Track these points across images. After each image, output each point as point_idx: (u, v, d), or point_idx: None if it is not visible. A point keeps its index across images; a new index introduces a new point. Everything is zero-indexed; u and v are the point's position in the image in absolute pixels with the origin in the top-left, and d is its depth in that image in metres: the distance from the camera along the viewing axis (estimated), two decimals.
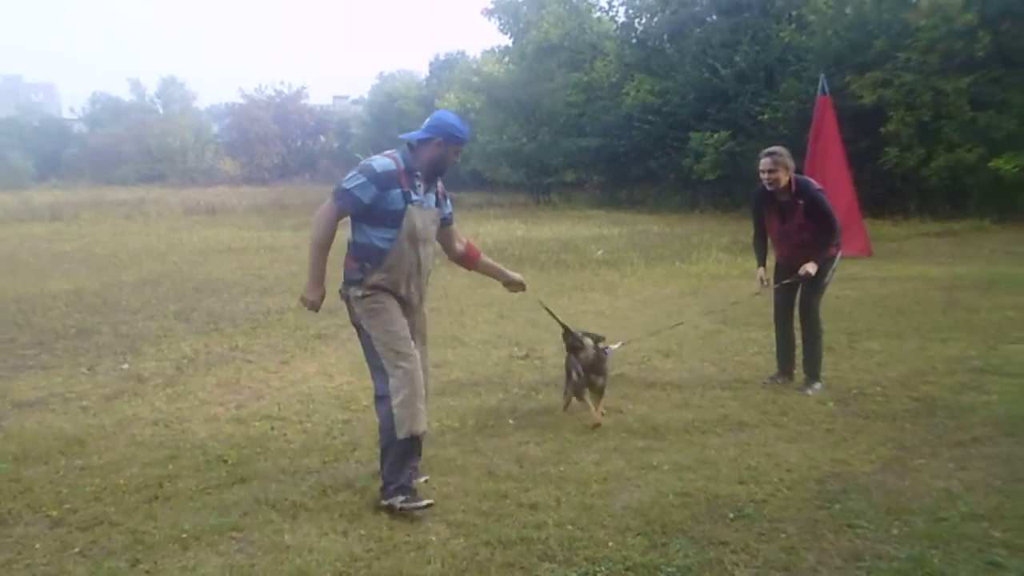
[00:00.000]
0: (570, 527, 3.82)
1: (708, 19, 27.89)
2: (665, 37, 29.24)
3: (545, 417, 5.62)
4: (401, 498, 4.02)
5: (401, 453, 4.08)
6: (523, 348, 7.76)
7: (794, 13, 24.34)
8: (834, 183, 13.84)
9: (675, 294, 10.64)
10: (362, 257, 4.25)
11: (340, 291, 4.37)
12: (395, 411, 4.05)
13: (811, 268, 6.00)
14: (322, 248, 4.32)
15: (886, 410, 5.56)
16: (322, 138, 75.37)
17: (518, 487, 4.33)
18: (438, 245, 4.61)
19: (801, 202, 5.98)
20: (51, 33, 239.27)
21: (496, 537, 3.73)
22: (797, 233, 6.08)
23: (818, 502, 4.06)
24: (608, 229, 20.75)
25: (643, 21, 30.66)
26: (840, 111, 17.14)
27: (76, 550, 3.71)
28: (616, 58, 30.79)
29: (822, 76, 14.55)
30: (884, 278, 11.46)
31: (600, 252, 15.13)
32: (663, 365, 7.07)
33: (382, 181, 4.17)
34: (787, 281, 6.23)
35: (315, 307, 4.44)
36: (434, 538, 3.75)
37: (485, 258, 4.99)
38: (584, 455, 4.81)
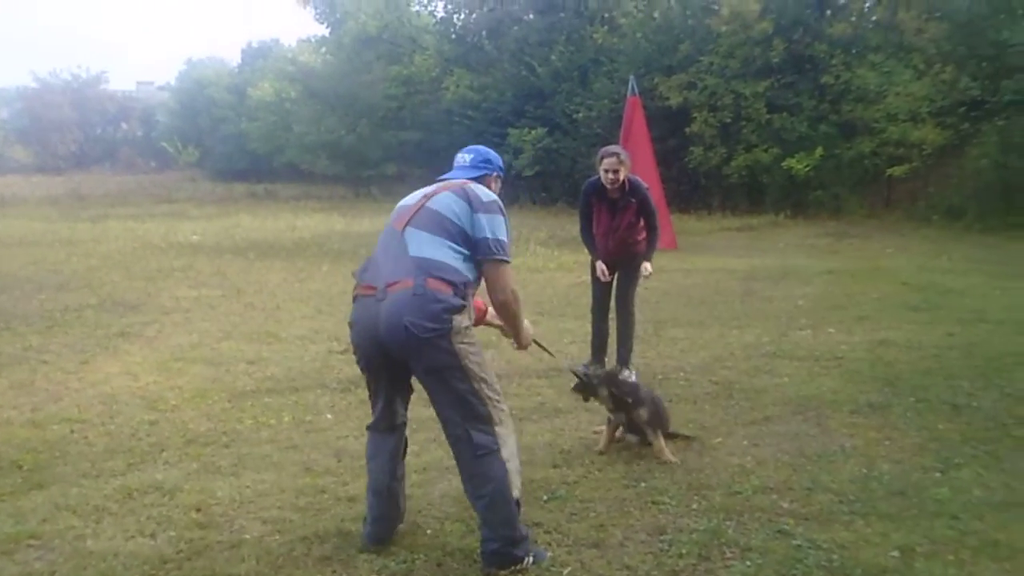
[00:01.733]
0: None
1: (525, 18, 28.41)
2: (484, 34, 29.52)
3: (363, 409, 5.56)
4: (531, 551, 3.43)
5: (513, 512, 3.39)
6: (342, 343, 7.65)
7: (606, 15, 25.21)
8: (643, 179, 14.51)
9: None
10: (460, 285, 3.34)
11: (422, 327, 3.22)
12: (508, 466, 3.38)
13: (649, 267, 6.41)
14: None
15: (688, 393, 5.91)
16: (124, 125, 71.16)
17: (336, 481, 4.31)
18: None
19: (633, 200, 6.27)
20: None
21: (313, 532, 3.71)
22: (625, 230, 6.36)
23: (626, 481, 4.27)
24: None
25: (462, 17, 30.83)
26: (650, 111, 17.96)
27: None
28: (436, 52, 30.81)
29: (631, 77, 15.18)
30: (688, 270, 12.11)
31: None
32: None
33: None
34: (610, 280, 6.56)
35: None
36: (248, 536, 3.68)
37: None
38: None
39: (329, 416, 5.47)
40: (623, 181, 6.22)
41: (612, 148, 6.34)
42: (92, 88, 68.02)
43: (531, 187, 25.44)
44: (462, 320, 3.31)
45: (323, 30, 35.52)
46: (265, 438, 5.05)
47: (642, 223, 6.36)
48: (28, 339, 7.95)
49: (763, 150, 19.92)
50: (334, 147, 32.41)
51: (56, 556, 3.48)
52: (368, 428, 3.73)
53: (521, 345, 3.97)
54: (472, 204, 3.45)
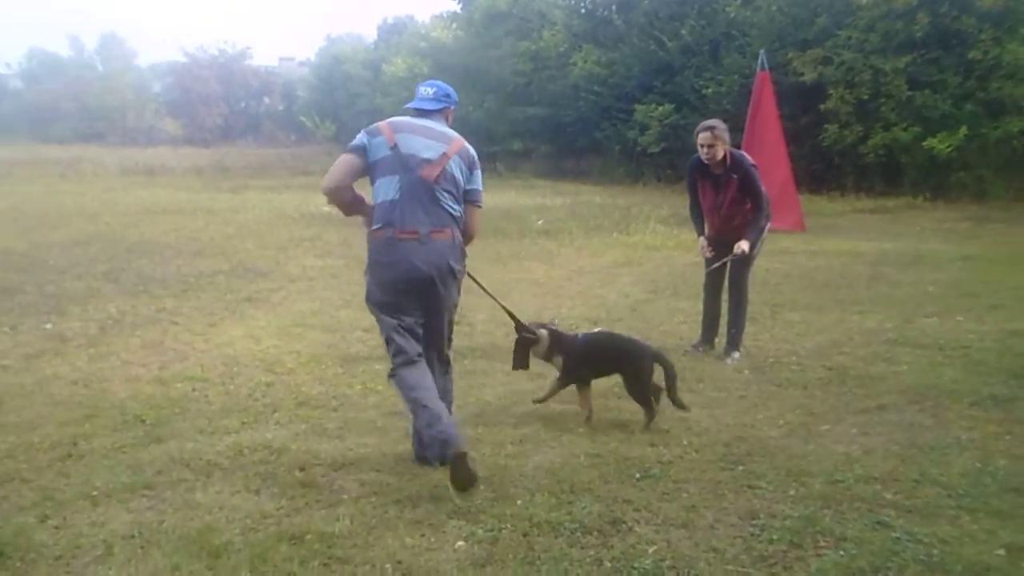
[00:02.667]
0: (481, 486, 3.90)
1: None
2: (613, 8, 29.15)
3: (467, 380, 5.68)
4: None
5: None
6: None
7: None
8: (770, 158, 14.08)
9: (610, 264, 10.76)
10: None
11: (458, 270, 4.25)
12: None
13: (745, 246, 6.13)
14: None
15: (799, 378, 5.74)
16: (267, 100, 74.02)
17: None
18: None
19: (735, 176, 6.10)
20: None
21: (407, 495, 3.81)
22: (728, 207, 6.21)
23: (722, 464, 4.20)
24: (551, 199, 20.81)
25: None
26: (782, 87, 17.38)
27: None
28: (564, 28, 30.64)
29: (761, 52, 14.71)
30: (814, 252, 11.70)
31: (540, 222, 15.19)
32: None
33: None
34: (718, 263, 6.37)
35: None
36: (346, 497, 3.81)
37: None
38: (503, 419, 4.91)
39: None
40: (724, 156, 6.06)
41: (708, 122, 6.17)
42: (237, 63, 70.90)
43: (656, 164, 25.08)
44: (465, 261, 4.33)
45: (455, 6, 35.88)
46: (371, 403, 5.20)
47: (749, 200, 6.16)
48: (163, 301, 8.43)
49: (902, 129, 18.93)
50: (462, 122, 32.31)
51: (166, 506, 3.71)
52: (401, 365, 4.14)
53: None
54: (470, 165, 4.32)
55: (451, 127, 4.44)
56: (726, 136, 6.07)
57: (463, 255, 4.27)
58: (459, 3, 35.13)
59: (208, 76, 68.07)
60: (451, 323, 4.43)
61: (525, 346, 4.97)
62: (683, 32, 24.58)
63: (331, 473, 4.09)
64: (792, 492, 3.85)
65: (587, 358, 4.96)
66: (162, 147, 50.34)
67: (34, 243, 12.44)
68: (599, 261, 11.01)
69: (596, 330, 5.95)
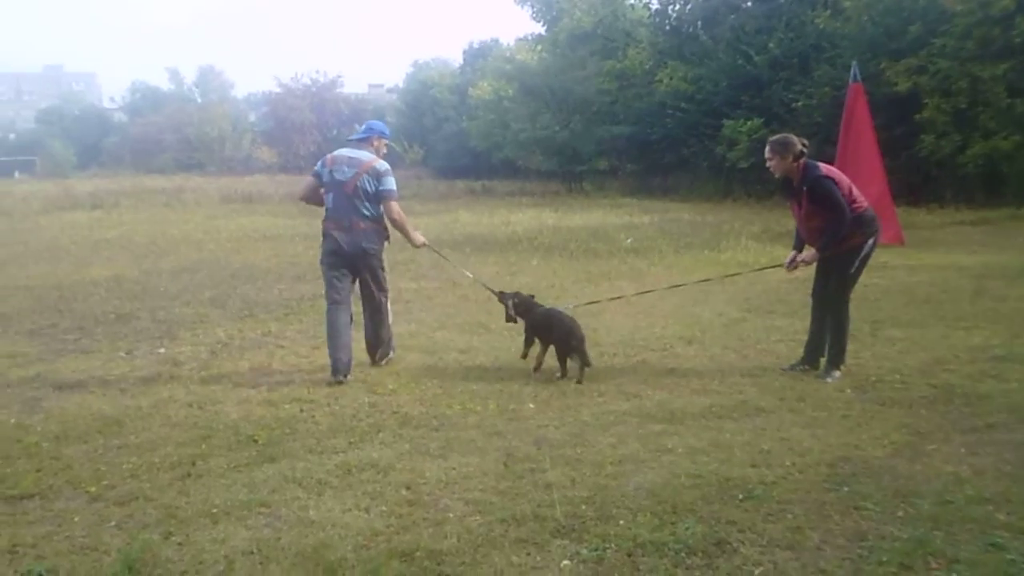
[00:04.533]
0: (583, 506, 3.95)
1: (742, 5, 27.73)
2: (699, 24, 29.10)
3: (565, 400, 5.75)
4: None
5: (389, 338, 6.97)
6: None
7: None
8: (866, 171, 13.79)
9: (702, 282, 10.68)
10: (380, 221, 6.66)
11: (370, 249, 6.63)
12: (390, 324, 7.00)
13: (807, 256, 6.16)
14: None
15: (903, 397, 5.62)
16: (357, 126, 75.81)
17: (535, 468, 4.47)
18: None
19: (805, 188, 6.04)
20: (92, 23, 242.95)
21: (511, 514, 3.88)
22: (807, 219, 6.16)
23: (828, 485, 4.16)
24: (639, 217, 20.79)
25: (676, 8, 30.54)
26: (875, 98, 17.03)
27: (112, 523, 3.91)
28: (649, 45, 30.71)
29: (854, 63, 14.44)
30: (914, 267, 11.42)
31: (629, 240, 15.19)
32: (685, 352, 7.16)
33: None
34: (777, 265, 6.52)
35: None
36: (452, 515, 3.90)
37: None
38: (601, 438, 4.94)
39: (531, 405, 5.66)
40: (796, 168, 6.04)
41: (770, 138, 6.22)
42: (329, 91, 72.94)
43: (746, 179, 24.83)
44: (383, 243, 6.70)
45: (540, 28, 36.26)
46: (471, 423, 5.31)
47: (825, 212, 6.03)
48: (268, 325, 8.75)
49: (1003, 138, 18.34)
50: (548, 143, 33.04)
51: (282, 524, 3.86)
52: (330, 304, 6.66)
53: (414, 244, 6.99)
54: (377, 177, 6.55)
55: (381, 150, 6.83)
56: (785, 149, 6.04)
57: (379, 238, 6.63)
58: (544, 25, 35.49)
59: (301, 105, 70.23)
60: (376, 280, 6.72)
61: (504, 307, 6.91)
62: (771, 45, 24.35)
63: (436, 492, 4.19)
64: (900, 513, 3.79)
65: (536, 325, 6.67)
66: (259, 175, 52.10)
67: (145, 270, 13.04)
68: (690, 279, 10.94)
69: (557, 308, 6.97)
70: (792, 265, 6.41)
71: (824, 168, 6.10)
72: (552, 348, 6.49)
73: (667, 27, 30.52)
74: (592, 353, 7.02)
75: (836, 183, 6.01)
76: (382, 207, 6.58)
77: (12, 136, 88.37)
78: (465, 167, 47.04)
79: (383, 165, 6.59)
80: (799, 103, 22.69)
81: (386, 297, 6.87)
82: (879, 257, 11.74)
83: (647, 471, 4.40)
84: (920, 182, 20.29)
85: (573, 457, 4.62)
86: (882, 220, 13.22)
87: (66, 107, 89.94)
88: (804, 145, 6.10)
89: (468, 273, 8.30)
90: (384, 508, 4.00)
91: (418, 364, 6.95)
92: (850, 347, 6.63)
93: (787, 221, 18.00)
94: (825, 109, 21.11)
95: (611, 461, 4.54)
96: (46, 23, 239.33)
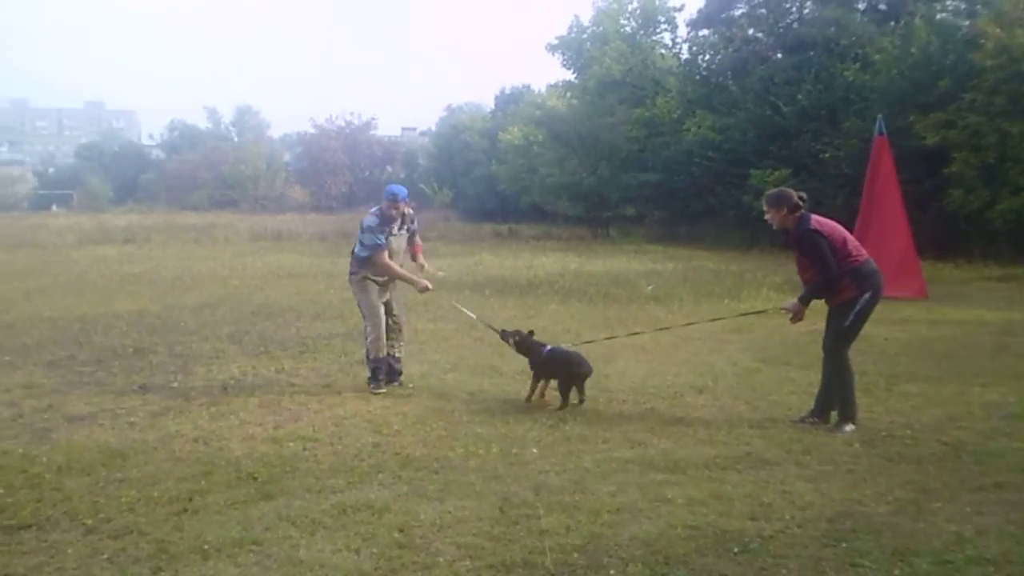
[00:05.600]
0: (575, 554, 3.91)
1: (772, 57, 27.85)
2: (728, 74, 29.25)
3: (568, 446, 5.71)
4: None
5: (372, 367, 7.54)
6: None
7: (859, 52, 24.15)
8: (890, 224, 13.75)
9: (718, 330, 10.61)
10: (356, 261, 7.67)
11: (349, 274, 7.72)
12: (368, 343, 7.60)
13: (788, 306, 6.30)
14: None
15: (912, 453, 5.52)
16: (389, 168, 76.57)
17: (531, 514, 4.44)
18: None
19: (796, 241, 6.17)
20: (133, 61, 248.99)
21: (501, 560, 3.85)
22: (801, 271, 6.29)
23: (826, 540, 4.08)
24: (663, 264, 20.76)
25: (706, 58, 30.74)
26: (903, 151, 16.99)
27: (104, 556, 3.94)
28: (678, 94, 30.91)
29: (879, 117, 14.45)
30: (935, 321, 11.28)
31: (650, 287, 15.15)
32: (695, 401, 7.10)
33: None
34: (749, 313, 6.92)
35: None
36: (441, 559, 3.88)
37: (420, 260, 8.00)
38: (601, 486, 4.90)
39: (535, 450, 5.63)
40: (793, 221, 6.15)
41: (767, 192, 6.46)
42: (362, 133, 73.83)
43: (771, 229, 24.51)
44: (358, 275, 7.59)
45: (570, 75, 36.63)
46: (472, 467, 5.28)
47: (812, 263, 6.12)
48: (282, 362, 8.79)
49: None
50: (575, 188, 33.21)
51: (271, 563, 3.86)
52: None
53: (418, 289, 7.65)
54: (361, 228, 7.57)
55: (385, 210, 7.51)
56: (778, 203, 6.20)
57: (353, 268, 7.64)
58: (574, 72, 35.85)
59: (335, 146, 71.12)
60: (360, 304, 7.67)
61: (507, 343, 7.39)
62: (799, 97, 24.40)
63: (429, 535, 4.17)
64: (897, 572, 3.71)
65: (547, 364, 6.99)
66: (290, 214, 52.64)
67: (167, 305, 13.20)
68: (707, 328, 10.85)
69: (561, 346, 7.42)
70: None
71: (815, 221, 6.13)
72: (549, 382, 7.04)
73: (696, 77, 30.71)
74: (601, 399, 7.03)
75: (826, 236, 6.05)
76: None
77: (51, 170, 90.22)
78: (493, 210, 47.33)
79: (364, 221, 7.56)
80: (827, 154, 22.65)
81: (365, 320, 7.68)
82: (901, 311, 11.73)
83: (644, 520, 4.35)
84: (948, 236, 20.08)
85: (570, 504, 4.58)
86: (906, 274, 13.28)
87: (106, 143, 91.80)
88: (801, 199, 6.20)
89: (470, 314, 8.38)
90: (375, 550, 3.99)
91: (426, 405, 6.94)
92: (863, 401, 6.56)
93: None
94: (853, 161, 21.04)
95: (608, 509, 4.50)
96: (89, 61, 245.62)
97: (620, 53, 33.35)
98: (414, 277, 7.64)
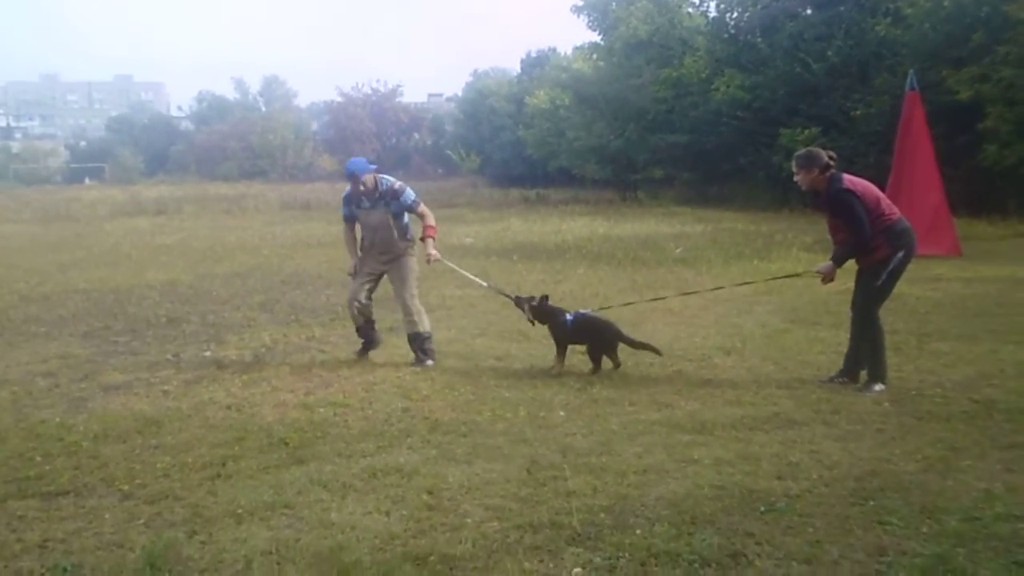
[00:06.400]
0: (602, 515, 3.95)
1: (801, 13, 27.32)
2: (757, 32, 28.75)
3: (595, 409, 5.74)
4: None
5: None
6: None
7: (890, 6, 23.62)
8: (922, 181, 13.56)
9: (748, 292, 10.55)
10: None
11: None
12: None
13: (823, 268, 6.19)
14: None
15: (942, 411, 5.49)
16: (416, 135, 76.64)
17: (558, 475, 4.47)
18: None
19: (827, 201, 6.08)
20: (160, 34, 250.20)
21: (528, 521, 3.89)
22: (833, 232, 6.21)
23: (853, 499, 4.08)
24: (692, 227, 20.63)
25: (735, 16, 30.22)
26: (935, 107, 16.68)
27: (141, 521, 4.03)
28: (706, 53, 30.43)
29: (911, 72, 14.20)
30: (970, 279, 11.14)
31: (679, 250, 15.09)
32: (723, 362, 7.09)
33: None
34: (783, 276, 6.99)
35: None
36: (469, 520, 3.93)
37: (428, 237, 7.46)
38: (628, 448, 4.92)
39: (562, 413, 5.67)
40: (823, 181, 6.06)
41: (796, 153, 6.30)
42: (389, 101, 73.82)
43: (802, 189, 24.37)
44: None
45: (596, 37, 36.22)
46: (500, 430, 5.33)
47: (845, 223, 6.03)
48: (312, 330, 8.89)
49: None
50: (603, 151, 33.01)
51: (303, 525, 3.93)
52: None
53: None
54: None
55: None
56: (810, 163, 6.09)
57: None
58: (600, 33, 35.44)
59: (361, 114, 71.20)
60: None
61: (522, 310, 7.27)
62: (829, 53, 23.99)
63: (457, 497, 4.22)
64: (925, 529, 3.71)
65: (575, 330, 6.90)
66: (319, 183, 52.84)
67: (199, 275, 13.36)
68: (737, 290, 10.79)
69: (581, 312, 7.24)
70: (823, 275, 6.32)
71: (847, 181, 6.03)
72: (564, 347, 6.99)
73: (725, 35, 30.21)
74: (628, 362, 7.03)
75: (859, 196, 5.95)
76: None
77: (83, 144, 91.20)
78: (520, 175, 47.23)
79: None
80: (858, 111, 22.30)
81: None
82: (933, 269, 11.60)
83: (670, 481, 4.37)
84: (982, 192, 19.73)
85: (597, 466, 4.61)
86: (939, 231, 13.11)
87: (135, 116, 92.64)
88: (831, 158, 6.09)
89: (482, 282, 8.37)
90: (404, 512, 4.05)
91: (454, 370, 7.00)
92: (894, 360, 6.52)
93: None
94: (884, 118, 20.68)
95: (635, 470, 4.52)
96: (118, 34, 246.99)
97: (646, 13, 32.86)
98: (352, 251, 7.72)
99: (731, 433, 5.15)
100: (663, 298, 9.21)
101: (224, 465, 4.76)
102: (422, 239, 7.45)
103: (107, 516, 4.09)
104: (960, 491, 4.13)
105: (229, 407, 6.02)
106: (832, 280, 6.27)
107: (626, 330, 7.00)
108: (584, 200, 33.14)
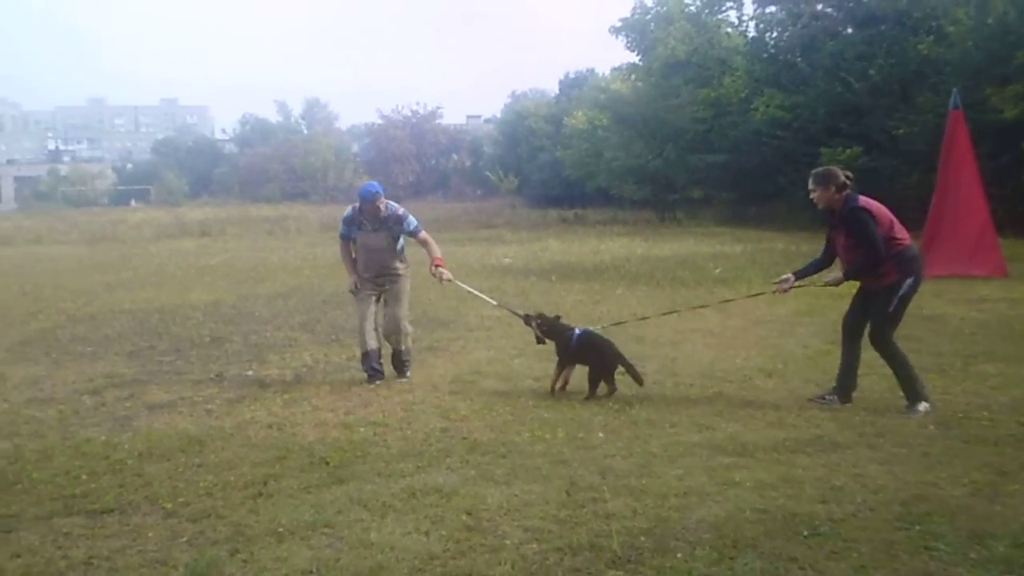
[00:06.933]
0: (642, 537, 3.92)
1: (841, 32, 27.16)
2: (797, 51, 28.61)
3: (635, 430, 5.71)
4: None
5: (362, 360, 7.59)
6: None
7: (933, 25, 23.39)
8: (967, 201, 13.35)
9: (790, 313, 10.47)
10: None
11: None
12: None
13: (831, 279, 6.33)
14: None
15: (989, 434, 5.38)
16: (455, 156, 77.11)
17: (597, 497, 4.45)
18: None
19: (842, 219, 6.08)
20: (205, 58, 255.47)
21: (568, 543, 3.87)
22: (846, 252, 6.19)
23: (899, 524, 4.01)
24: (731, 247, 20.49)
25: (774, 35, 30.12)
26: (980, 125, 16.44)
27: (184, 539, 4.08)
28: (745, 73, 30.32)
29: (954, 90, 14.00)
30: (1015, 300, 10.91)
31: (718, 270, 14.99)
32: (764, 384, 7.03)
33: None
34: (778, 286, 6.66)
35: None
36: (509, 542, 3.92)
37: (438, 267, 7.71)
38: (668, 470, 4.88)
39: (601, 434, 5.64)
40: (838, 200, 6.07)
41: (813, 171, 6.28)
42: (428, 122, 74.43)
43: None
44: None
45: (634, 57, 36.24)
46: (539, 451, 5.32)
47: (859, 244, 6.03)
48: (352, 350, 8.91)
49: None
50: (641, 172, 32.96)
51: (343, 545, 3.95)
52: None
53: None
54: None
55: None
56: (827, 181, 6.11)
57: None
58: (638, 54, 35.47)
59: (401, 136, 71.85)
60: None
61: (531, 327, 7.14)
62: (871, 72, 23.78)
63: (496, 518, 4.22)
64: (973, 555, 3.63)
65: (578, 349, 6.80)
66: None
67: (242, 296, 13.54)
68: (778, 310, 10.72)
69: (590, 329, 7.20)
70: (783, 287, 6.60)
71: (863, 201, 6.07)
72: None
73: (764, 55, 30.11)
74: (668, 383, 7.00)
75: (873, 216, 5.98)
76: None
77: (129, 166, 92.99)
78: (558, 196, 47.24)
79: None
80: (900, 131, 22.06)
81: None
82: (978, 290, 11.41)
83: (711, 504, 4.33)
84: None
85: (637, 488, 4.58)
86: (983, 251, 12.89)
87: (180, 138, 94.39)
88: (848, 178, 6.13)
89: (491, 301, 8.32)
90: (443, 532, 4.05)
91: (492, 390, 7.01)
92: (938, 382, 6.46)
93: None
94: (928, 137, 20.39)
95: (675, 493, 4.49)
96: (163, 58, 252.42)
97: (685, 33, 32.83)
98: (350, 269, 7.81)
99: (773, 456, 5.10)
100: (674, 312, 9.13)
101: (266, 484, 4.81)
102: (431, 271, 7.70)
103: (151, 534, 4.14)
104: (1009, 516, 4.05)
105: (271, 426, 6.08)
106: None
107: (664, 350, 6.98)
108: (622, 220, 33.09)
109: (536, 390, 7.01)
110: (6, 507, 4.55)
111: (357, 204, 7.58)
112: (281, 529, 4.13)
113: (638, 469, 4.91)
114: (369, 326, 7.53)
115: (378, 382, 7.37)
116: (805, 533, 3.93)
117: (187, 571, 3.68)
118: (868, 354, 7.78)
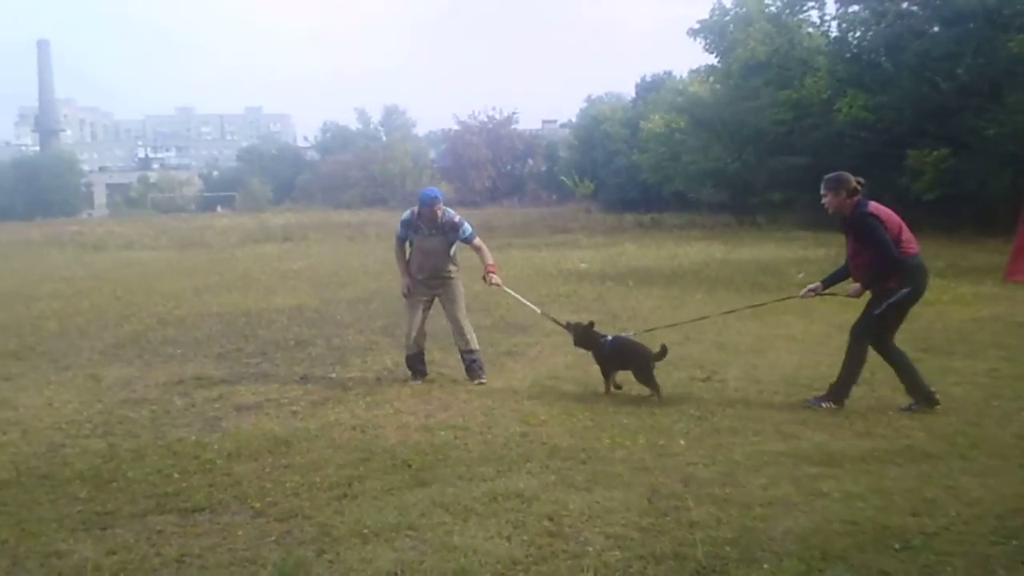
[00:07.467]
0: (727, 547, 3.87)
1: (928, 31, 26.35)
2: (881, 51, 27.87)
3: (717, 438, 5.63)
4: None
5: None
6: (705, 370, 7.75)
7: (1023, 22, 22.54)
8: None
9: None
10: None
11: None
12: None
13: (852, 290, 6.27)
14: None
15: None
16: (530, 161, 77.26)
17: (680, 506, 4.41)
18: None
19: (850, 224, 6.12)
20: (288, 67, 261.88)
21: (651, 552, 3.85)
22: (853, 256, 6.25)
23: (995, 537, 3.89)
24: (813, 251, 20.05)
25: (857, 35, 29.39)
26: None
27: (272, 539, 4.18)
28: (827, 74, 29.62)
29: None
30: None
31: (800, 275, 14.67)
32: (852, 393, 6.84)
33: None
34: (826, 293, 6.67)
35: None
36: (591, 548, 3.92)
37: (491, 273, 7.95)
38: (752, 479, 4.81)
39: (682, 442, 5.59)
40: (848, 206, 6.13)
41: (825, 176, 6.32)
42: (504, 128, 74.75)
43: (932, 212, 23.37)
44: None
45: (713, 59, 35.79)
46: (619, 457, 5.30)
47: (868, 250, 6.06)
48: (431, 354, 9.00)
49: None
50: (719, 175, 32.54)
51: (426, 547, 3.99)
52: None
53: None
54: None
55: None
56: (838, 186, 6.18)
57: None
58: (716, 56, 35.02)
59: (477, 142, 72.32)
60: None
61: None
62: (959, 71, 23.03)
63: (578, 524, 4.21)
64: None
65: (612, 355, 7.05)
66: None
67: (325, 300, 13.81)
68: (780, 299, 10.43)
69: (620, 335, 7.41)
70: (810, 295, 6.74)
71: (873, 207, 6.08)
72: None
73: (847, 55, 29.38)
74: (751, 391, 6.90)
75: (882, 221, 5.99)
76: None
77: (216, 173, 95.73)
78: (635, 200, 46.96)
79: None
80: (990, 132, 21.28)
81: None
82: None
83: (798, 515, 4.25)
84: None
85: (721, 497, 4.53)
86: None
87: (264, 146, 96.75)
88: (859, 183, 6.14)
89: (536, 308, 8.44)
90: (525, 538, 4.06)
91: (572, 396, 7.01)
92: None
93: (974, 256, 16.94)
94: (1019, 138, 19.73)
95: (760, 503, 4.42)
96: (247, 68, 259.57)
97: (765, 34, 32.26)
98: (404, 271, 8.15)
99: (861, 466, 4.98)
100: (705, 318, 8.95)
101: (350, 485, 4.89)
102: (484, 277, 7.97)
103: (240, 533, 4.25)
104: None
105: (354, 428, 6.18)
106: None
107: (745, 357, 6.88)
108: (700, 224, 32.70)
109: (615, 396, 6.98)
110: (102, 505, 4.73)
111: (416, 208, 7.83)
112: (366, 531, 4.20)
113: (721, 478, 4.85)
114: (415, 331, 7.87)
115: (420, 380, 7.74)
116: (896, 546, 3.83)
117: (275, 570, 3.77)
118: (958, 363, 7.59)
